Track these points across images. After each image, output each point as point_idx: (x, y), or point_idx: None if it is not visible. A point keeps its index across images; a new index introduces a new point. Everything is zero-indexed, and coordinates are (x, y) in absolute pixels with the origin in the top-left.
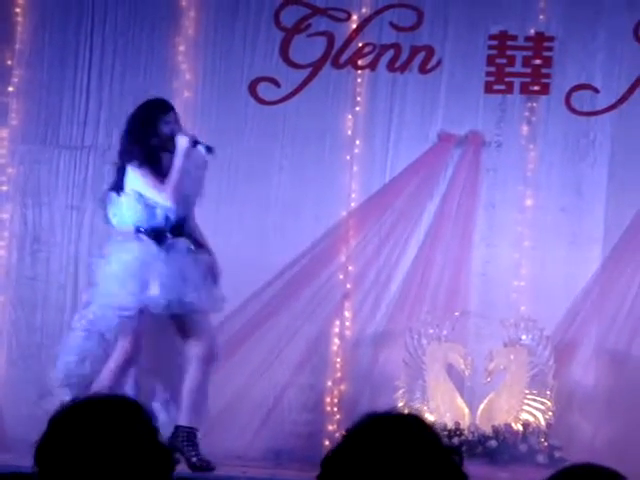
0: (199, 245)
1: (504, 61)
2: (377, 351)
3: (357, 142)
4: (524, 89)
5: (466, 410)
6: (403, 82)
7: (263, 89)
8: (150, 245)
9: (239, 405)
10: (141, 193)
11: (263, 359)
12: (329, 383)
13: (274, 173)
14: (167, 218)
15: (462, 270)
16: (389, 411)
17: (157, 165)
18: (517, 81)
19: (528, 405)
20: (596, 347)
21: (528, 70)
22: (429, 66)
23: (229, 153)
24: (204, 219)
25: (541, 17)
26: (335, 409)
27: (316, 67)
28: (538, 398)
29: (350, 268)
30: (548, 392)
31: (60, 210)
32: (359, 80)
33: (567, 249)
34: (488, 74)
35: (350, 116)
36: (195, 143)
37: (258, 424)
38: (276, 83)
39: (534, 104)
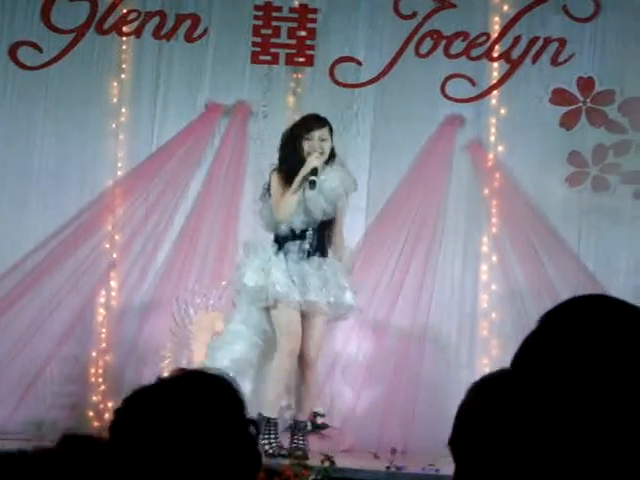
0: None
1: (269, 32)
2: (143, 321)
3: (123, 110)
4: (289, 60)
5: None
6: (169, 50)
7: (24, 53)
8: None
9: None
10: None
11: (25, 331)
12: (94, 354)
13: (37, 140)
14: None
15: (229, 239)
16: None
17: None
18: (282, 52)
19: None
20: (358, 316)
21: (293, 41)
22: (195, 34)
23: None
24: None
25: None
26: (100, 380)
27: (79, 32)
28: None
29: (116, 237)
30: None
31: None
32: (124, 47)
33: None
34: (254, 44)
35: (115, 83)
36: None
37: (19, 396)
38: (38, 48)
39: (299, 75)
